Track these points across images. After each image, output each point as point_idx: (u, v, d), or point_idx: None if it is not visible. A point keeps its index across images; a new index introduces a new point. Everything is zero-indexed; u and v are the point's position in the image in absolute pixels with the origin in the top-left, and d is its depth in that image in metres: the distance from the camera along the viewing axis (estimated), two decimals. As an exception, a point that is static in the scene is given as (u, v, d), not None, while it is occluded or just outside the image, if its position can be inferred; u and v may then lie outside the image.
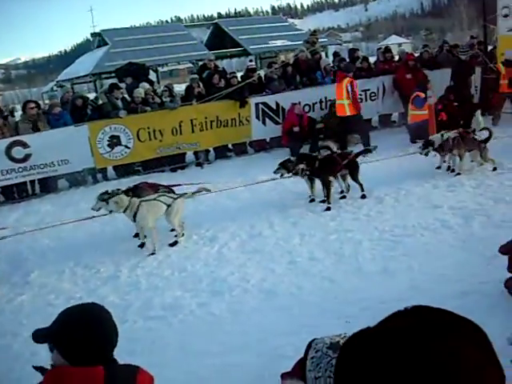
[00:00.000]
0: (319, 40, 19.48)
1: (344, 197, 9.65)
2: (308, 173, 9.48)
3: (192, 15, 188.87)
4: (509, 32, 15.31)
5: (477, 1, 18.38)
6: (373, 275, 6.65)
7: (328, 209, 9.20)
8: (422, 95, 12.71)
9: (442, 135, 10.33)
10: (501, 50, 15.33)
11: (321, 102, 14.24)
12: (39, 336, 2.29)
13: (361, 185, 9.58)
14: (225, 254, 7.88)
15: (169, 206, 8.22)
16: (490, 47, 17.00)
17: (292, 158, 9.79)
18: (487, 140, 10.22)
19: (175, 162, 13.35)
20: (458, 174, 10.21)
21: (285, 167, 9.49)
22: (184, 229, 8.67)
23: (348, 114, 12.88)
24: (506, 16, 15.38)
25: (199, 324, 5.97)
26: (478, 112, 12.42)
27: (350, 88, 12.79)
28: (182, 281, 7.17)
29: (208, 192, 9.29)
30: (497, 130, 12.89)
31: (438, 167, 10.69)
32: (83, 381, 2.11)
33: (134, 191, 8.79)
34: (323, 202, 9.43)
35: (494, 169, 10.17)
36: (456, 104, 13.35)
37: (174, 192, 9.00)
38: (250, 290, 6.63)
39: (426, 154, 10.24)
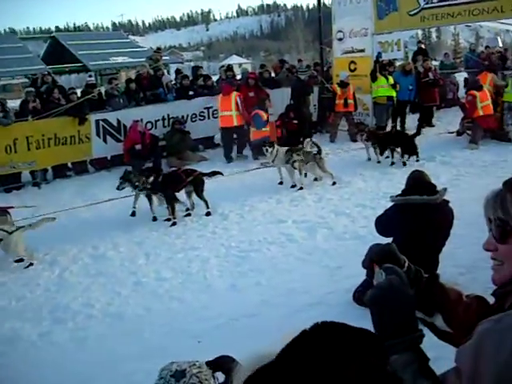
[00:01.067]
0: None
1: (189, 214, 9.50)
2: (149, 187, 9.23)
3: (28, 27, 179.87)
4: (343, 54, 16.24)
5: (313, 25, 19.31)
6: (222, 292, 6.60)
7: (174, 224, 9.04)
8: (263, 115, 12.93)
9: (278, 149, 10.67)
10: (336, 71, 16.20)
11: (163, 119, 14.03)
12: None
13: (206, 202, 9.49)
14: (66, 279, 7.41)
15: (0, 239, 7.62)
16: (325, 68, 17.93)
17: (131, 170, 9.53)
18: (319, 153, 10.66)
19: (10, 182, 12.43)
20: (301, 188, 10.50)
21: (127, 180, 9.23)
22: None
23: (235, 124, 13.45)
24: (340, 39, 16.31)
25: (42, 356, 5.50)
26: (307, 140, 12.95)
27: (239, 100, 13.31)
28: (21, 309, 6.60)
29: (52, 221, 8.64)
30: (334, 147, 13.57)
31: (280, 182, 10.91)
32: None
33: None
34: (168, 220, 9.24)
35: (334, 183, 10.59)
36: (295, 122, 13.82)
37: (9, 214, 8.38)
38: (95, 315, 6.27)
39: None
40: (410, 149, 11.80)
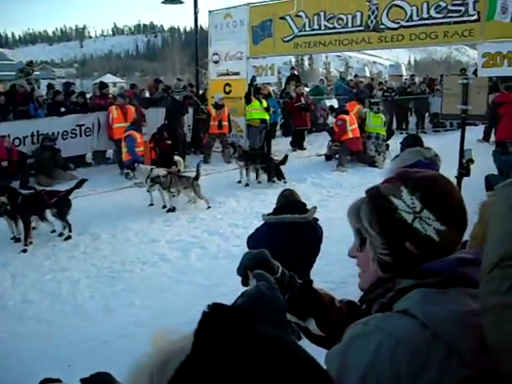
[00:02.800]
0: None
1: (69, 237, 9.00)
2: (9, 208, 8.61)
3: None
4: (218, 77, 16.51)
5: (190, 47, 19.52)
6: (94, 313, 6.42)
7: (24, 251, 8.46)
8: (137, 137, 12.79)
9: (152, 169, 10.58)
10: (211, 93, 16.44)
11: (32, 135, 13.40)
12: None
13: (69, 225, 9.03)
14: None
15: None
16: (201, 91, 18.14)
17: None
18: (196, 178, 10.63)
19: None
20: (170, 210, 10.42)
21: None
22: None
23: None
24: (216, 62, 16.60)
25: None
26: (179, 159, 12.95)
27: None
28: None
29: None
30: (208, 168, 13.71)
31: (151, 204, 10.76)
32: None
33: None
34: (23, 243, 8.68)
35: (208, 207, 10.57)
36: (169, 142, 13.82)
37: None
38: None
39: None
40: (278, 173, 12.23)
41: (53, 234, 9.11)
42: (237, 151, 12.46)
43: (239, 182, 12.44)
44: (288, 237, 5.53)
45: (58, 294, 6.98)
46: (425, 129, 19.93)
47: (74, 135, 14.21)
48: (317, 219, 5.87)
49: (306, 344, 1.74)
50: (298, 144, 16.79)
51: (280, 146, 17.03)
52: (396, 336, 1.27)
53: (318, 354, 1.48)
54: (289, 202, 5.83)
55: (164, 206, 10.60)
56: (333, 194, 11.33)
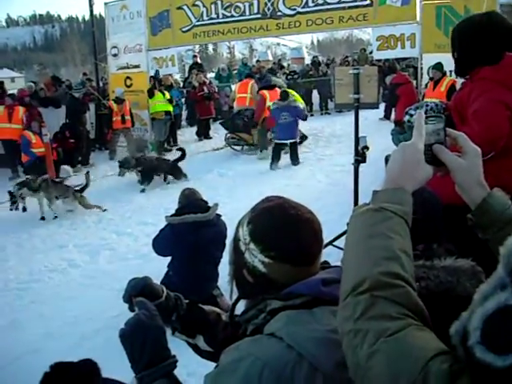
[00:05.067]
0: None
1: None
2: None
3: None
4: (118, 70, 16.22)
5: (89, 37, 18.99)
6: (1, 330, 6.20)
7: None
8: (31, 138, 12.41)
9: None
10: (112, 87, 16.13)
11: None
12: None
13: None
14: None
15: None
16: (101, 84, 17.75)
17: None
18: (83, 189, 10.27)
19: None
20: (43, 218, 10.04)
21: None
22: None
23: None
24: (115, 55, 16.28)
25: None
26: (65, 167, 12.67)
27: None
28: None
29: None
30: (114, 164, 13.46)
31: (42, 218, 10.10)
32: None
33: None
34: None
35: (104, 210, 10.22)
36: (72, 141, 13.53)
37: None
38: None
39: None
40: (176, 173, 11.99)
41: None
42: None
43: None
44: (192, 236, 5.63)
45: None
46: (328, 110, 20.39)
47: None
48: (219, 215, 5.99)
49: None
50: (203, 133, 16.82)
51: (186, 136, 17.03)
52: (263, 359, 1.35)
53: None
54: (190, 202, 5.92)
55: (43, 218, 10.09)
56: (239, 184, 11.42)
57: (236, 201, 9.39)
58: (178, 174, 11.99)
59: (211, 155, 14.22)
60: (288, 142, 12.61)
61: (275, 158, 12.56)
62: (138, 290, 1.78)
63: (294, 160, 12.60)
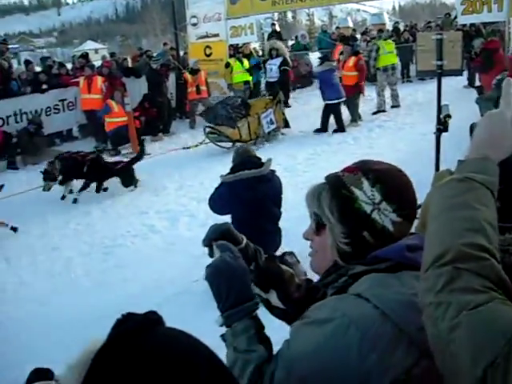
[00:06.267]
0: (9, 46, 18.42)
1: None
2: None
3: None
4: (198, 40, 16.34)
5: (169, 7, 19.17)
6: (88, 291, 6.52)
7: None
8: (113, 106, 12.79)
9: None
10: (192, 56, 16.30)
11: (15, 114, 13.38)
12: None
13: None
14: None
15: None
16: (181, 54, 17.94)
17: None
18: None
19: None
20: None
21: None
22: None
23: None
24: (194, 25, 16.40)
25: None
26: None
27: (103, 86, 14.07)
28: None
29: None
30: (194, 133, 13.70)
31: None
32: None
33: None
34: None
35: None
36: (154, 110, 13.81)
37: None
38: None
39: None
40: (127, 179, 9.94)
41: (45, 214, 9.15)
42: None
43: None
44: (248, 192, 5.73)
45: (52, 274, 7.09)
46: (410, 77, 19.81)
47: (57, 111, 14.23)
48: (274, 171, 6.12)
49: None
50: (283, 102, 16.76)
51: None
52: (349, 316, 1.37)
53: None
54: (244, 159, 6.03)
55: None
56: (319, 152, 11.36)
57: (317, 169, 9.38)
58: (129, 181, 9.96)
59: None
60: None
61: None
62: (219, 235, 1.80)
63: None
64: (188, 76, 14.88)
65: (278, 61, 14.77)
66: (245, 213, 5.68)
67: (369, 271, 1.47)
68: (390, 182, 1.54)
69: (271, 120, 12.72)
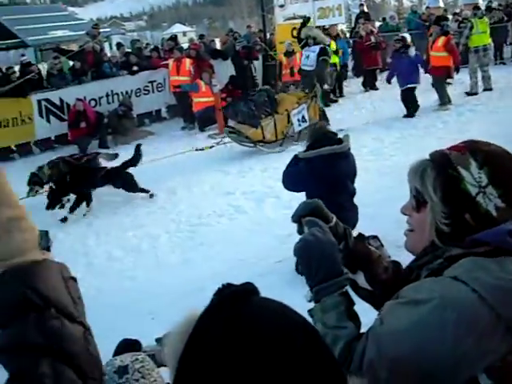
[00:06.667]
0: (101, 30, 18.95)
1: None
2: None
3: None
4: (285, 21, 16.20)
5: (254, -10, 19.20)
6: (174, 268, 6.67)
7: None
8: (202, 86, 12.92)
9: None
10: (279, 38, 16.16)
11: (107, 95, 13.86)
12: None
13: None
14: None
15: None
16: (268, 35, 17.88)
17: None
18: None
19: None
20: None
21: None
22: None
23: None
24: (281, 6, 16.25)
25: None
26: None
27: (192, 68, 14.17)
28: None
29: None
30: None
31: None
32: None
33: None
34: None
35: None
36: (240, 91, 13.86)
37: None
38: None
39: None
40: (128, 185, 8.94)
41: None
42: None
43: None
44: (328, 169, 5.66)
45: (139, 250, 7.29)
46: (504, 59, 18.89)
47: (146, 92, 14.57)
48: (349, 148, 6.01)
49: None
50: (369, 84, 16.41)
51: (352, 87, 16.72)
52: (446, 299, 1.35)
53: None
54: (320, 136, 5.95)
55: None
56: (406, 136, 11.04)
57: (403, 154, 9.13)
58: (124, 185, 8.95)
59: (378, 106, 13.82)
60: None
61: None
62: (308, 211, 1.76)
63: None
64: (283, 58, 14.81)
65: (317, 49, 13.04)
66: (323, 189, 5.46)
67: (466, 254, 1.42)
68: (498, 165, 1.48)
69: (303, 117, 11.23)
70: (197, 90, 12.88)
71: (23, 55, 16.93)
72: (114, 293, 6.20)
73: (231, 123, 11.54)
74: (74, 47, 15.88)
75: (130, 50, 16.41)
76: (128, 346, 2.53)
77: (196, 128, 13.56)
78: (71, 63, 14.68)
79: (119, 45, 17.28)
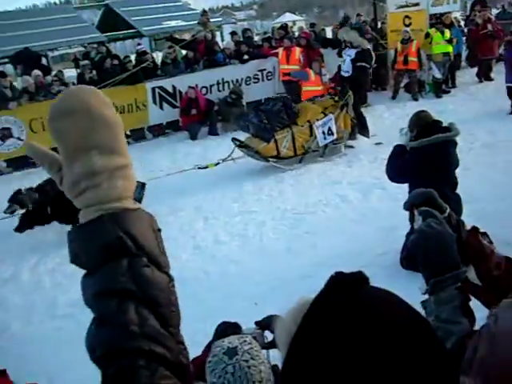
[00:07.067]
0: (213, 20, 19.35)
1: None
2: None
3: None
4: (397, 9, 15.82)
5: (366, -22, 18.87)
6: (278, 254, 6.74)
7: None
8: (311, 74, 12.87)
9: None
10: (391, 26, 15.81)
11: (218, 83, 14.20)
12: None
13: None
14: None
15: None
16: (379, 24, 17.55)
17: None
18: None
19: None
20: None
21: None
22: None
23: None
24: (393, -7, 15.89)
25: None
26: None
27: (301, 57, 14.11)
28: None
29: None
30: (394, 105, 13.43)
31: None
32: None
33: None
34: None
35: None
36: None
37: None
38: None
39: None
40: None
41: (240, 179, 9.58)
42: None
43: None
44: (441, 156, 5.55)
45: (245, 236, 7.43)
46: None
47: (256, 80, 14.77)
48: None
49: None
50: (484, 75, 15.70)
51: (465, 77, 16.09)
52: None
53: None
54: (431, 123, 5.78)
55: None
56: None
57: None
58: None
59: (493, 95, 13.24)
60: None
61: None
62: (421, 200, 1.75)
63: None
64: (398, 45, 14.50)
65: (353, 53, 12.08)
66: (431, 179, 5.31)
67: None
68: None
69: (330, 130, 10.04)
70: (306, 78, 12.86)
71: (139, 44, 17.56)
72: (220, 276, 6.37)
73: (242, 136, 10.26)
74: (187, 37, 16.31)
75: (241, 39, 16.63)
76: (228, 328, 2.60)
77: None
78: (184, 52, 15.11)
79: (233, 33, 17.54)
